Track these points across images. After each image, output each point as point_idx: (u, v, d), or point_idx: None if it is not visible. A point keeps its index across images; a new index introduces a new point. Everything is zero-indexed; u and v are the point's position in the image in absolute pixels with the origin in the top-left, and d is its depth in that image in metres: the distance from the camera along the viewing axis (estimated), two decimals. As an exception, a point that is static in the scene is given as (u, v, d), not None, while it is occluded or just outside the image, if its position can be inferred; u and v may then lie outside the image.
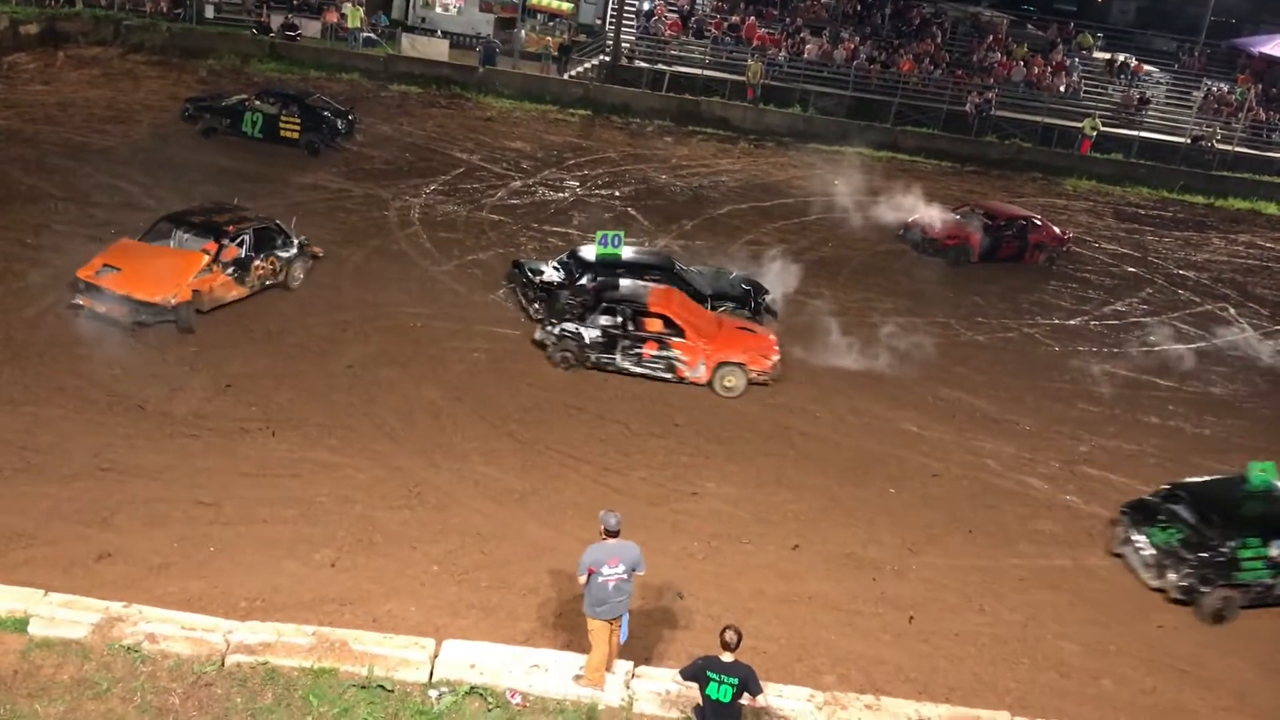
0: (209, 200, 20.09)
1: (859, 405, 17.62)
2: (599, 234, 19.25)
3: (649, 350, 17.17)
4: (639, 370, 17.22)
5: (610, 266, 18.89)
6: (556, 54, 37.71)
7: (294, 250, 18.69)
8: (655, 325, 17.21)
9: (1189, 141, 38.87)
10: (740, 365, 17.26)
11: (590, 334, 17.11)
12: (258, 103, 26.12)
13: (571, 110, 34.58)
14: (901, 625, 12.44)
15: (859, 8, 43.98)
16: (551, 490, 13.98)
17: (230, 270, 17.36)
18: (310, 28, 36.36)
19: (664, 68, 37.55)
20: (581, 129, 33.09)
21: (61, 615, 9.85)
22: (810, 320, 20.50)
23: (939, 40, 42.15)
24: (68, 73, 30.19)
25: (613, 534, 9.89)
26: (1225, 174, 37.40)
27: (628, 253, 19.44)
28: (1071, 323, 22.71)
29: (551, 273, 18.94)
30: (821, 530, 14.05)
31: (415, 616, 11.29)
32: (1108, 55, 43.75)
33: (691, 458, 15.33)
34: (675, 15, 40.79)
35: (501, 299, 19.54)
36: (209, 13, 36.02)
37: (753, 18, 41.04)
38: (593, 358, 17.15)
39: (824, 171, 31.47)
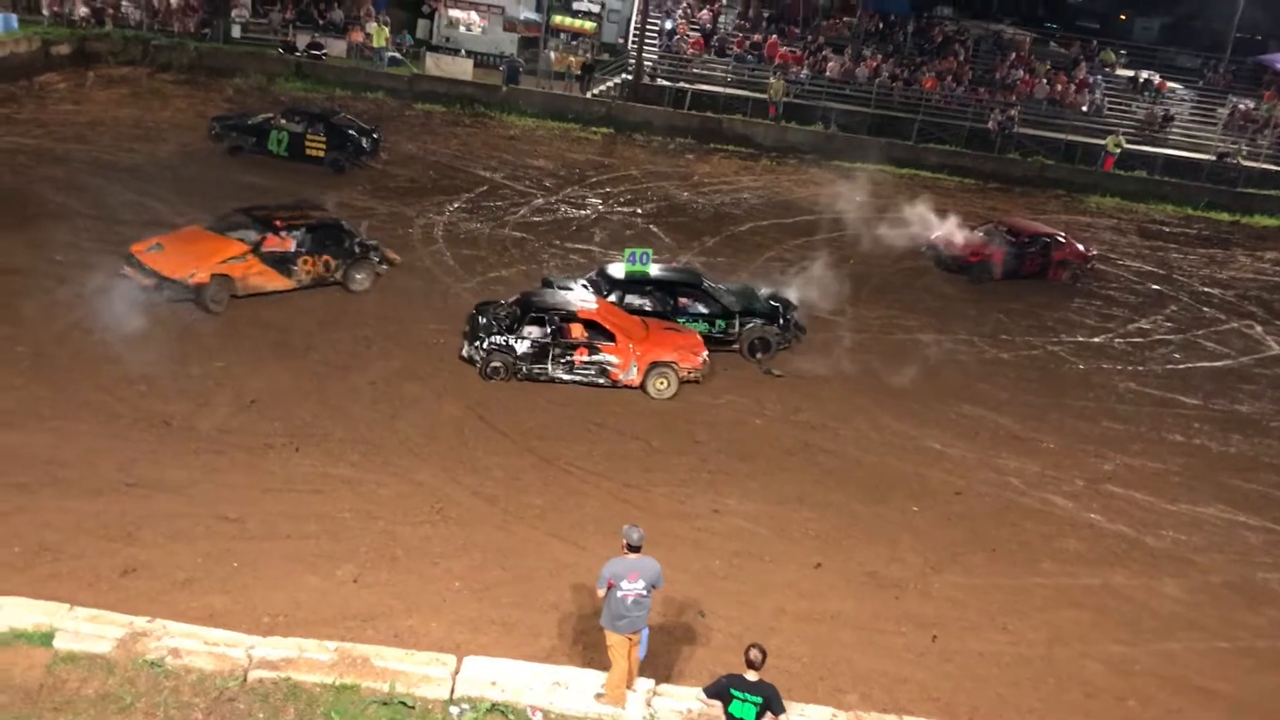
0: (295, 198, 21.27)
1: (881, 422, 17.57)
2: (627, 251, 19.40)
3: (580, 357, 17.22)
4: (572, 378, 17.25)
5: (639, 283, 19.04)
6: (579, 73, 37.91)
7: (355, 254, 19.17)
8: (584, 332, 17.32)
9: (1214, 158, 38.68)
10: (671, 365, 17.36)
11: (521, 346, 17.12)
12: (283, 121, 26.39)
13: (594, 128, 34.76)
14: (924, 644, 12.36)
15: (881, 26, 44.06)
16: (572, 506, 13.99)
17: (273, 262, 18.16)
18: (336, 47, 36.75)
19: (686, 86, 37.72)
20: (604, 147, 33.24)
21: (86, 630, 9.91)
22: (832, 336, 20.49)
23: (961, 58, 42.14)
24: (97, 92, 30.62)
25: (634, 549, 9.88)
26: (1251, 191, 37.18)
27: (655, 270, 19.52)
28: (1095, 340, 22.58)
29: (580, 290, 19.01)
30: (844, 548, 13.99)
31: (437, 633, 11.30)
32: (1131, 72, 43.65)
33: (713, 474, 15.31)
34: (698, 34, 40.97)
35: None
36: (236, 32, 36.51)
37: (775, 36, 41.19)
38: (524, 369, 17.16)
39: (846, 188, 31.43)
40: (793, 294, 20.97)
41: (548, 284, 19.63)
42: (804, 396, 18.05)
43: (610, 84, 38.27)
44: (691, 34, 41.01)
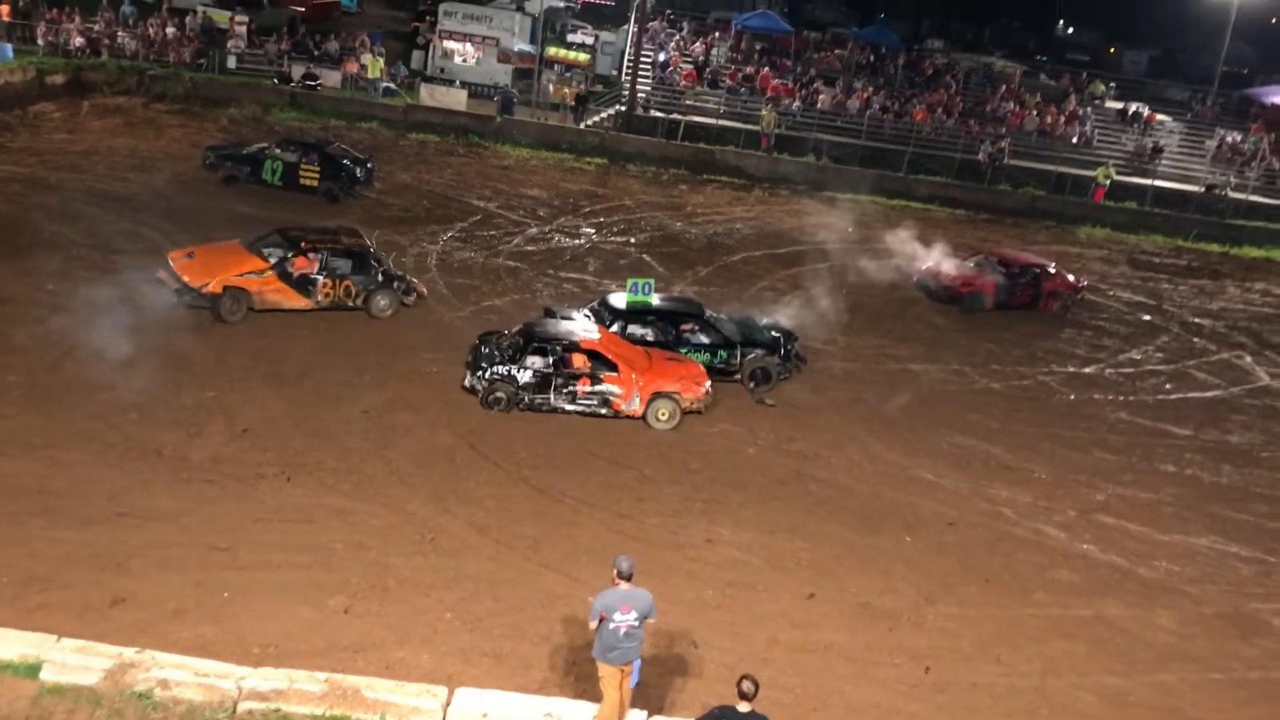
0: (337, 224, 22.26)
1: (874, 452, 17.58)
2: (629, 281, 19.48)
3: (582, 387, 17.21)
4: (574, 408, 17.23)
5: (641, 313, 19.12)
6: (573, 104, 38.15)
7: (379, 282, 19.62)
8: (587, 362, 17.31)
9: (1203, 190, 38.96)
10: (673, 395, 17.33)
11: (523, 376, 17.12)
12: (278, 151, 26.50)
13: (588, 159, 34.94)
14: (918, 676, 12.32)
15: (872, 58, 44.43)
16: (565, 536, 13.96)
17: (292, 281, 18.92)
18: (331, 78, 36.95)
19: (679, 117, 37.95)
20: (598, 177, 33.39)
21: (74, 661, 9.83)
22: (825, 366, 20.54)
23: (952, 90, 42.49)
24: (92, 122, 30.73)
25: (626, 579, 9.86)
26: (1240, 222, 37.42)
27: (656, 300, 19.57)
28: (1087, 370, 22.65)
29: (582, 320, 19.04)
30: (837, 578, 13.96)
31: (428, 664, 11.24)
32: (1120, 105, 44.03)
33: (706, 504, 15.29)
34: (690, 66, 41.28)
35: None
36: (231, 63, 36.70)
37: (766, 68, 41.50)
38: (527, 399, 17.15)
39: (837, 220, 31.63)
40: (785, 324, 21.02)
41: (549, 314, 19.69)
42: (797, 426, 18.06)
43: (604, 115, 38.51)
44: (684, 66, 41.31)
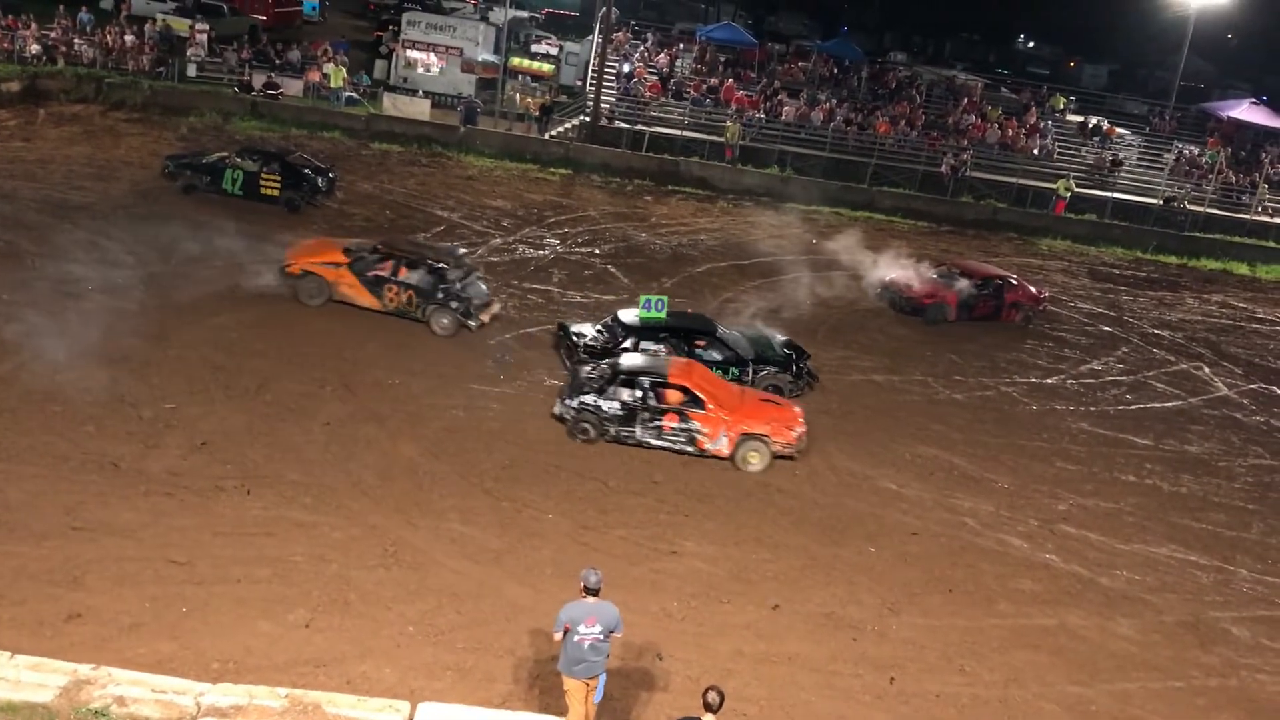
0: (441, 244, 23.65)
1: (837, 463, 17.62)
2: (642, 298, 19.70)
3: (669, 423, 16.84)
4: (659, 444, 16.89)
5: (654, 329, 19.12)
6: (538, 114, 38.11)
7: (439, 300, 20.03)
8: (675, 397, 16.95)
9: (1161, 203, 39.52)
10: (763, 438, 16.88)
11: (609, 406, 16.83)
12: (238, 160, 26.23)
13: (552, 169, 34.89)
14: (882, 686, 12.33)
15: (835, 71, 44.71)
16: (529, 549, 13.87)
17: (365, 280, 20.21)
18: (292, 86, 36.67)
19: (644, 128, 38.02)
20: (562, 187, 33.35)
21: (28, 678, 9.61)
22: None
23: (915, 102, 42.82)
24: (48, 130, 30.28)
25: (592, 592, 9.80)
26: (1197, 234, 37.99)
27: (669, 316, 19.61)
28: (1048, 381, 22.84)
29: (595, 335, 19.06)
30: (801, 589, 13.96)
31: (390, 678, 11.12)
32: (1080, 118, 44.55)
33: (670, 516, 15.25)
34: (655, 77, 41.33)
35: (496, 361, 19.58)
36: (191, 71, 36.33)
37: (731, 80, 41.63)
38: (612, 431, 16.89)
39: (801, 231, 31.80)
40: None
41: (563, 329, 19.90)
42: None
43: (568, 125, 38.49)
44: (649, 77, 41.37)
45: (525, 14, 48.65)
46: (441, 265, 20.48)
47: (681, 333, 19.35)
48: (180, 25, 38.29)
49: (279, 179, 26.06)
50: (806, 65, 44.87)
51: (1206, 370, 25.25)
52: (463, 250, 21.23)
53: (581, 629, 9.69)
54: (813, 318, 24.41)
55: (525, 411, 17.70)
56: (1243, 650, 14.13)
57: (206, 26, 38.32)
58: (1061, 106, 45.24)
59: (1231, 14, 47.87)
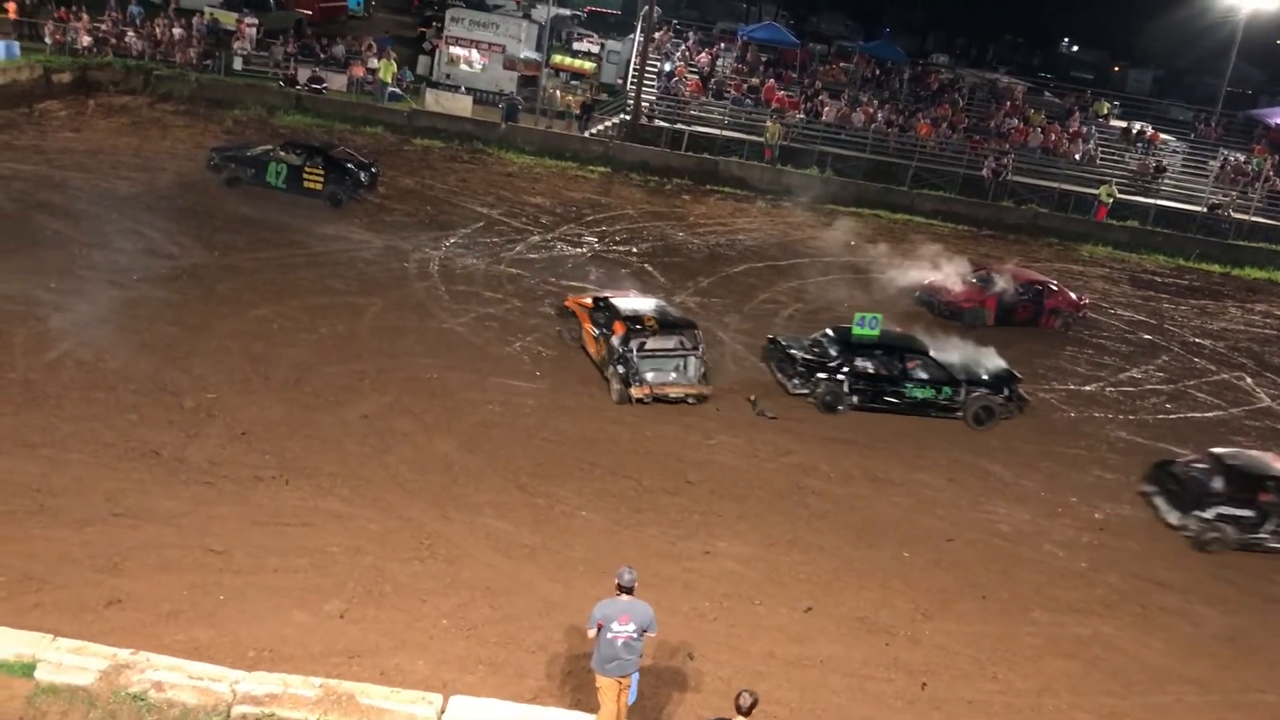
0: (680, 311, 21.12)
1: (873, 466, 17.55)
2: (857, 315, 19.96)
3: None
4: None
5: (868, 347, 19.52)
6: (578, 112, 38.18)
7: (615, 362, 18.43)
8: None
9: (1205, 210, 38.99)
10: None
11: (1239, 512, 16.52)
12: (282, 153, 26.47)
13: (592, 167, 34.95)
14: (914, 692, 12.28)
15: (877, 72, 44.50)
16: (562, 545, 13.93)
17: (597, 331, 19.08)
18: (336, 81, 36.96)
19: (683, 127, 38.00)
20: (601, 186, 33.41)
21: (69, 661, 9.80)
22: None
23: (957, 105, 42.55)
24: (97, 121, 30.74)
25: (627, 590, 9.83)
26: (1242, 243, 37.45)
27: (883, 335, 19.92)
28: (1087, 389, 22.63)
29: (831, 348, 19.48)
30: (834, 592, 13.93)
31: (423, 670, 11.21)
32: (1124, 123, 44.06)
33: (704, 515, 15.26)
34: (695, 76, 41.33)
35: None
36: (237, 64, 36.72)
37: (772, 80, 41.55)
38: (1240, 538, 16.59)
39: (840, 232, 31.65)
40: (787, 336, 20.99)
41: (774, 343, 20.20)
42: (796, 439, 18.03)
43: (608, 124, 38.53)
44: (690, 76, 41.36)
45: (568, 12, 48.67)
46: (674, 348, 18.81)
47: (895, 351, 19.60)
48: (228, 19, 38.67)
49: (322, 173, 26.28)
50: (848, 66, 44.70)
51: (1249, 381, 24.91)
52: (698, 331, 19.40)
53: (615, 626, 9.72)
54: (850, 320, 24.24)
55: (560, 408, 17.76)
56: (1281, 665, 13.96)
57: (253, 20, 38.70)
58: (1105, 111, 44.79)
59: (1281, 19, 47.11)
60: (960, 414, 19.57)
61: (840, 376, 19.01)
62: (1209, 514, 16.56)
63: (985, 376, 19.93)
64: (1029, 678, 12.87)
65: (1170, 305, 30.43)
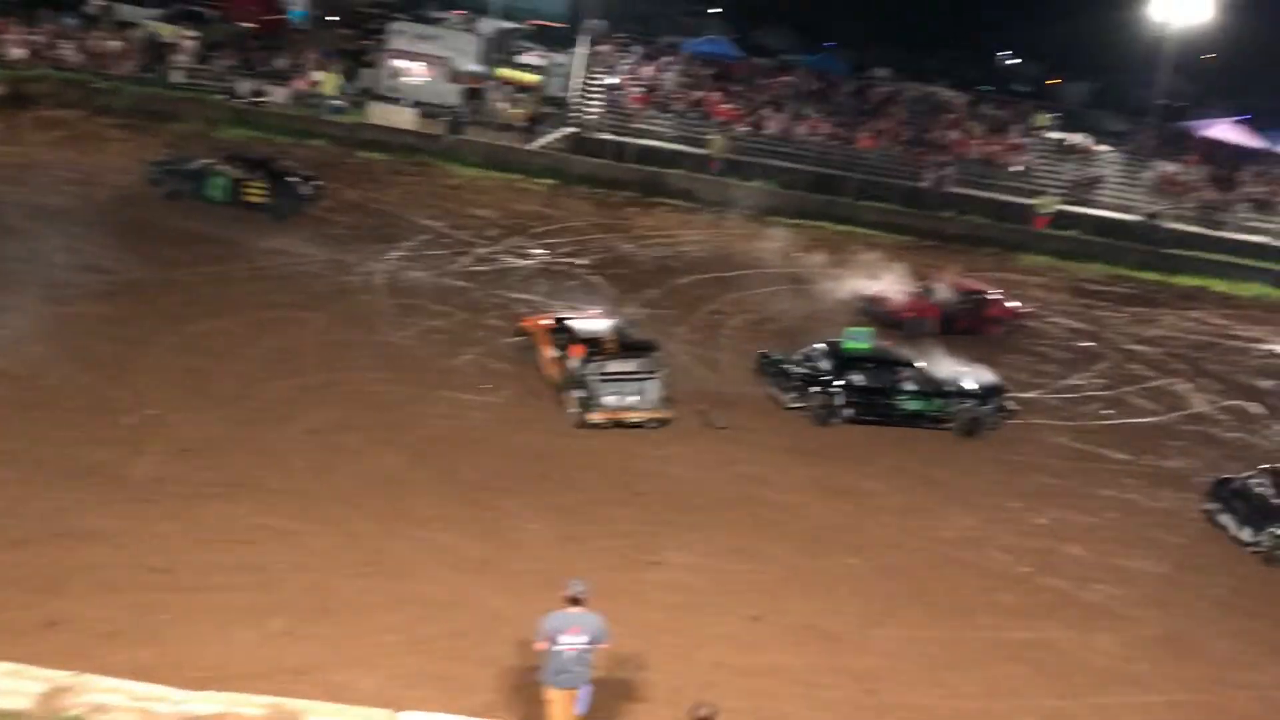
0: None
1: (821, 475, 17.69)
2: (847, 330, 20.64)
3: None
4: None
5: (862, 360, 19.93)
6: (524, 125, 38.15)
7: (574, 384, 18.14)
8: None
9: (1141, 219, 39.80)
10: None
11: None
12: (224, 166, 26.16)
13: (538, 180, 34.89)
14: (862, 698, 12.37)
15: (820, 85, 44.90)
16: (511, 558, 13.87)
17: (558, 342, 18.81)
18: (278, 94, 36.60)
19: (629, 140, 38.08)
20: (547, 198, 33.37)
21: (5, 685, 9.55)
22: (773, 391, 20.64)
23: (899, 118, 43.05)
24: (32, 134, 30.13)
25: (577, 602, 9.82)
26: (1177, 251, 38.19)
27: (875, 349, 20.39)
28: (1028, 395, 22.96)
29: (823, 362, 19.78)
30: (782, 601, 14.01)
31: (370, 687, 11.09)
32: (1062, 135, 44.81)
33: (654, 526, 15.28)
34: (641, 89, 41.45)
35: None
36: (177, 77, 36.22)
37: (716, 93, 41.78)
38: None
39: (784, 244, 31.84)
40: (726, 346, 21.10)
41: (764, 357, 20.40)
42: (745, 448, 18.13)
43: (554, 136, 38.52)
44: (635, 89, 41.49)
45: (512, 25, 48.68)
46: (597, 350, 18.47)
47: (889, 364, 20.04)
48: (167, 31, 38.16)
49: (265, 186, 25.99)
50: (792, 79, 45.06)
51: (1184, 386, 25.44)
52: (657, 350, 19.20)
53: (565, 639, 9.70)
54: (797, 330, 24.45)
55: (509, 420, 17.71)
56: (1219, 664, 14.25)
57: (193, 32, 38.23)
58: (1043, 123, 45.51)
59: (1213, 34, 48.28)
60: (950, 425, 19.94)
61: (834, 390, 19.33)
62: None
63: (973, 388, 20.30)
64: (975, 682, 13.03)
65: (1108, 313, 31.01)
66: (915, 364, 20.21)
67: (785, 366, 19.99)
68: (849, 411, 19.47)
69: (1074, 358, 26.18)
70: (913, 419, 19.85)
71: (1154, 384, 25.21)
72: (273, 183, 26.15)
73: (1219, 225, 41.12)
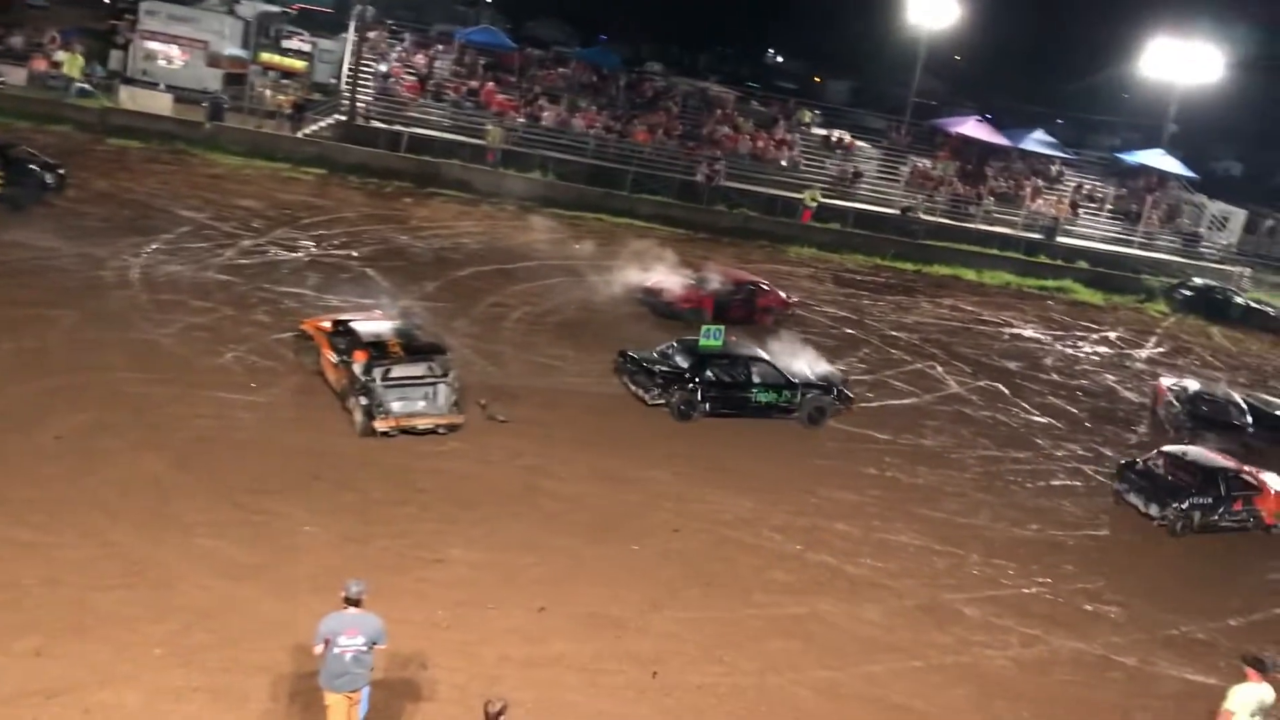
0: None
1: (603, 465, 17.84)
2: (703, 328, 21.10)
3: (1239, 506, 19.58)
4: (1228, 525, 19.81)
5: (717, 357, 20.65)
6: (290, 112, 36.80)
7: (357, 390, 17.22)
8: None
9: (898, 212, 42.12)
10: None
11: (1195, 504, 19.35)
12: (-47, 154, 24.07)
13: (306, 169, 33.78)
14: (645, 681, 12.58)
15: (594, 79, 45.28)
16: (285, 563, 13.36)
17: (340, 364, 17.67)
18: (16, 75, 33.96)
19: (402, 128, 37.37)
20: (317, 188, 32.33)
21: None
22: (557, 382, 20.70)
23: (671, 112, 43.93)
24: None
25: (354, 603, 9.57)
26: (931, 243, 40.68)
27: (727, 346, 21.05)
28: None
29: (681, 359, 20.40)
30: (566, 591, 14.07)
31: (134, 704, 10.48)
32: (825, 131, 46.83)
33: (436, 524, 15.04)
34: (413, 78, 40.69)
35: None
36: (-103, 56, 33.09)
37: (491, 83, 41.49)
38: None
39: (564, 236, 32.03)
40: (513, 342, 21.05)
41: (623, 355, 20.94)
42: (528, 441, 18.08)
43: (323, 124, 37.37)
44: (407, 77, 40.69)
45: (276, 8, 46.79)
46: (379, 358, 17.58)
47: (742, 361, 20.90)
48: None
49: (1, 174, 24.06)
50: (566, 71, 45.25)
51: (939, 369, 27.06)
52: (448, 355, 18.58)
53: (343, 640, 9.44)
54: (578, 321, 24.65)
55: (279, 420, 17.05)
56: (974, 629, 15.22)
57: (-86, 7, 35.04)
58: (808, 120, 47.44)
59: (960, 36, 51.60)
60: (796, 415, 20.92)
61: (693, 386, 19.99)
62: (1184, 504, 19.20)
63: (816, 379, 21.37)
64: (753, 658, 13.45)
65: (869, 301, 32.66)
66: (767, 360, 21.17)
67: (646, 365, 20.44)
68: (706, 406, 20.16)
69: (839, 344, 27.40)
70: (765, 410, 20.86)
71: (912, 367, 26.70)
72: (10, 170, 24.24)
73: (968, 218, 44.03)
